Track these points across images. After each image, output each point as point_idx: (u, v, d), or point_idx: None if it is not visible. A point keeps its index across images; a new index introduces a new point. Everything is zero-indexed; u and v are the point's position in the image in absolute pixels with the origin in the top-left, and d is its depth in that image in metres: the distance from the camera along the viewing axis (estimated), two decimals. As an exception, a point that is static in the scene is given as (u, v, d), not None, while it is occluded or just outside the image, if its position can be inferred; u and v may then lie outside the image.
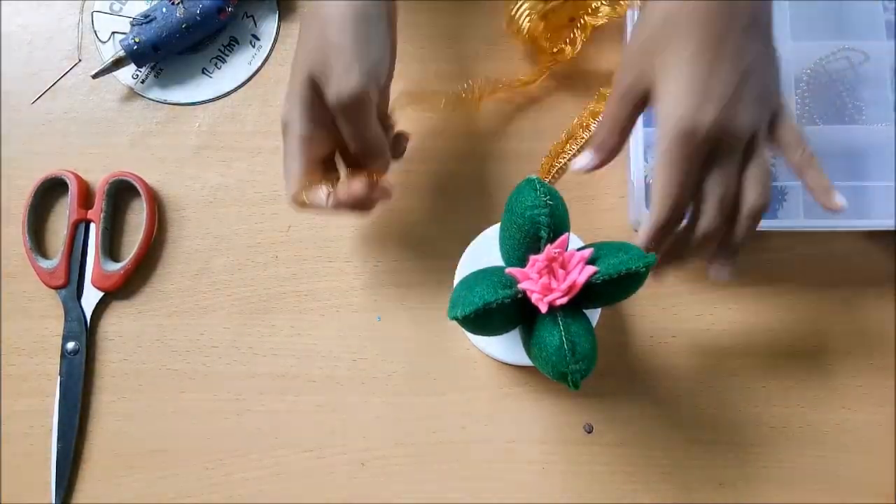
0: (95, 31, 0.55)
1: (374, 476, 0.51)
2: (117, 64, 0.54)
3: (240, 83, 0.56)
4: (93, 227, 0.54)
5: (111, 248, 0.54)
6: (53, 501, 0.50)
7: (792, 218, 0.52)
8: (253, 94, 0.57)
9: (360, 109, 0.42)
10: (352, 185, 0.43)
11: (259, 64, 0.57)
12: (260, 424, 0.52)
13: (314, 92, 0.42)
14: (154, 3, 0.56)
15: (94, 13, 0.56)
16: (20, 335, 0.53)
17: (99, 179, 0.54)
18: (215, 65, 0.56)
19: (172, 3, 0.53)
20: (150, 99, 0.56)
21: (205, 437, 0.52)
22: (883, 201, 0.51)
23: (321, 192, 0.44)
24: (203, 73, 0.56)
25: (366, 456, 0.51)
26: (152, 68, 0.56)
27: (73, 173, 0.54)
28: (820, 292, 0.53)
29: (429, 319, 0.53)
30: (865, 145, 0.53)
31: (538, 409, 0.51)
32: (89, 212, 0.53)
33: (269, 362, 0.52)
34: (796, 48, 0.52)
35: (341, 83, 0.41)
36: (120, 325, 0.53)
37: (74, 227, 0.53)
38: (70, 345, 0.52)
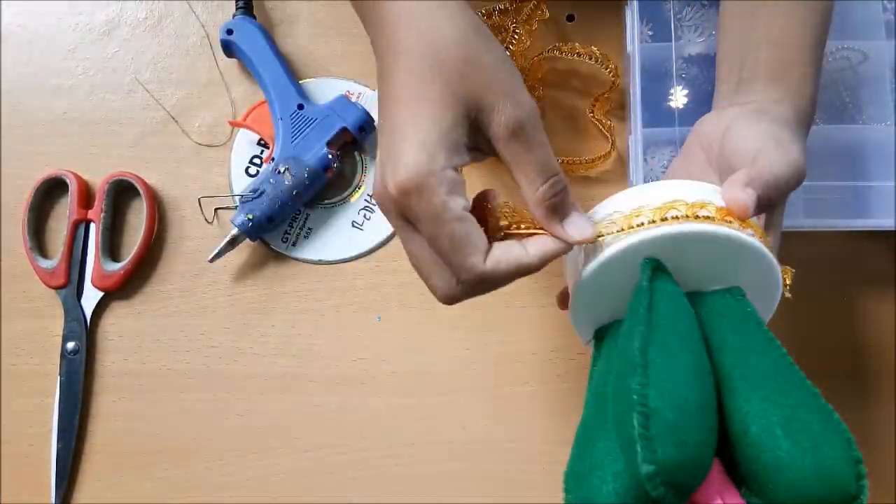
0: (205, 216, 0.54)
1: (374, 476, 0.51)
2: (233, 243, 0.52)
3: (392, 231, 0.53)
4: (93, 227, 0.54)
5: (111, 248, 0.54)
6: (53, 501, 0.50)
7: (792, 218, 0.52)
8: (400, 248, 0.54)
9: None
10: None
11: None
12: (260, 424, 0.52)
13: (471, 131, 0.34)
14: (257, 176, 0.54)
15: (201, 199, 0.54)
16: (20, 335, 0.53)
17: (99, 179, 0.54)
18: (364, 216, 0.55)
19: (278, 173, 0.52)
20: (302, 261, 0.54)
21: (205, 437, 0.51)
22: (883, 201, 0.51)
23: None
24: (353, 226, 0.54)
25: (366, 456, 0.51)
26: (301, 229, 0.54)
27: (73, 173, 0.54)
28: (820, 292, 0.53)
29: (429, 319, 0.53)
30: (865, 145, 0.53)
31: (538, 409, 0.51)
32: (89, 212, 0.53)
33: (269, 362, 0.52)
34: (796, 48, 0.52)
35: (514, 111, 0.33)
36: (120, 325, 0.53)
37: (74, 227, 0.53)
38: (70, 345, 0.52)
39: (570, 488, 0.30)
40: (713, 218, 0.33)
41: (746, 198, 0.33)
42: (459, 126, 0.33)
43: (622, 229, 0.33)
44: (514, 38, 0.52)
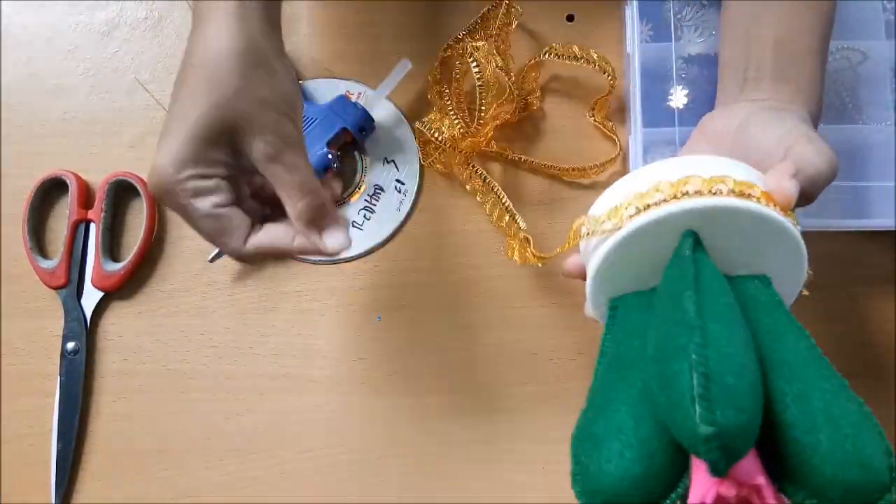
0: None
1: (373, 476, 0.51)
2: None
3: (392, 231, 0.54)
4: (93, 227, 0.54)
5: (111, 248, 0.54)
6: (53, 501, 0.50)
7: (792, 218, 0.52)
8: (404, 240, 0.55)
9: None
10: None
11: (408, 209, 0.55)
12: (260, 424, 0.52)
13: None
14: None
15: None
16: (20, 335, 0.53)
17: (99, 179, 0.54)
18: (364, 216, 0.55)
19: None
20: (303, 260, 0.54)
21: (205, 437, 0.51)
22: (883, 201, 0.51)
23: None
24: (353, 226, 0.54)
25: (366, 456, 0.51)
26: None
27: (73, 173, 0.54)
28: (820, 292, 0.52)
29: (429, 319, 0.53)
30: (865, 145, 0.53)
31: (538, 409, 0.51)
32: (89, 212, 0.53)
33: (269, 362, 0.52)
34: (796, 48, 0.52)
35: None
36: (120, 325, 0.53)
37: (74, 227, 0.53)
38: (70, 345, 0.52)
39: (583, 453, 0.29)
40: (759, 199, 0.32)
41: (792, 187, 0.33)
42: (215, 145, 0.37)
43: (665, 199, 0.32)
44: (474, 59, 0.50)
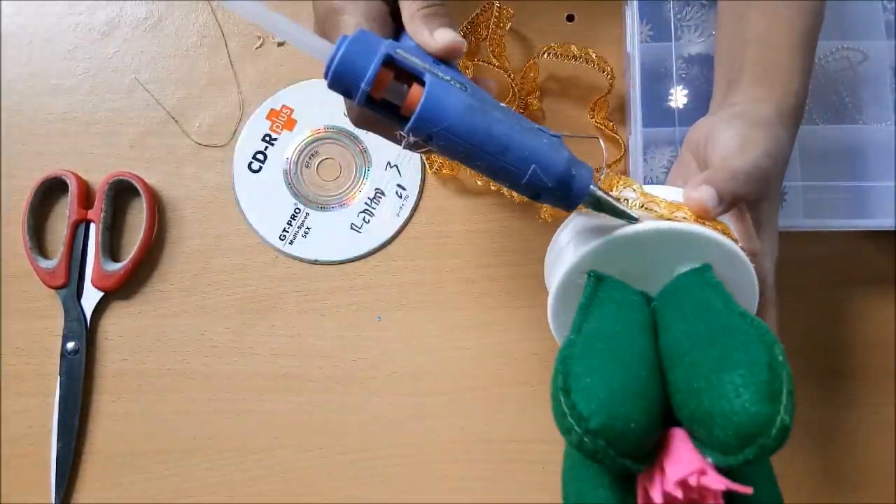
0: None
1: (374, 476, 0.51)
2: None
3: (391, 235, 0.54)
4: (93, 227, 0.54)
5: (111, 248, 0.54)
6: (53, 501, 0.50)
7: (792, 218, 0.52)
8: (405, 244, 0.54)
9: None
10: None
11: (408, 214, 0.55)
12: (260, 424, 0.52)
13: None
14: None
15: None
16: (20, 335, 0.53)
17: (99, 179, 0.54)
18: (363, 219, 0.55)
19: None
20: (299, 259, 0.54)
21: (205, 437, 0.51)
22: (883, 201, 0.51)
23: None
24: (352, 228, 0.54)
25: (366, 456, 0.51)
26: (299, 227, 0.54)
27: (73, 173, 0.54)
28: (820, 292, 0.53)
29: (429, 319, 0.53)
30: (865, 145, 0.53)
31: (538, 409, 0.51)
32: (89, 212, 0.53)
33: (269, 362, 0.52)
34: (796, 48, 0.52)
35: None
36: (120, 325, 0.53)
37: (74, 227, 0.53)
38: (70, 345, 0.52)
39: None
40: (659, 214, 0.33)
41: (701, 194, 0.34)
42: None
43: (577, 244, 0.35)
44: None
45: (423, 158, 0.54)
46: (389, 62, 0.31)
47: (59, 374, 0.52)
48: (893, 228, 0.49)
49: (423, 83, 0.31)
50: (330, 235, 0.54)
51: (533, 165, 0.31)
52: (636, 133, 0.51)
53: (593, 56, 0.52)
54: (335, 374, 0.52)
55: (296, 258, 0.54)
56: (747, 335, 0.28)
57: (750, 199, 0.37)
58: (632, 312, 0.32)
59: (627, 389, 0.27)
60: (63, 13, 0.58)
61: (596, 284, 0.34)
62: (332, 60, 0.31)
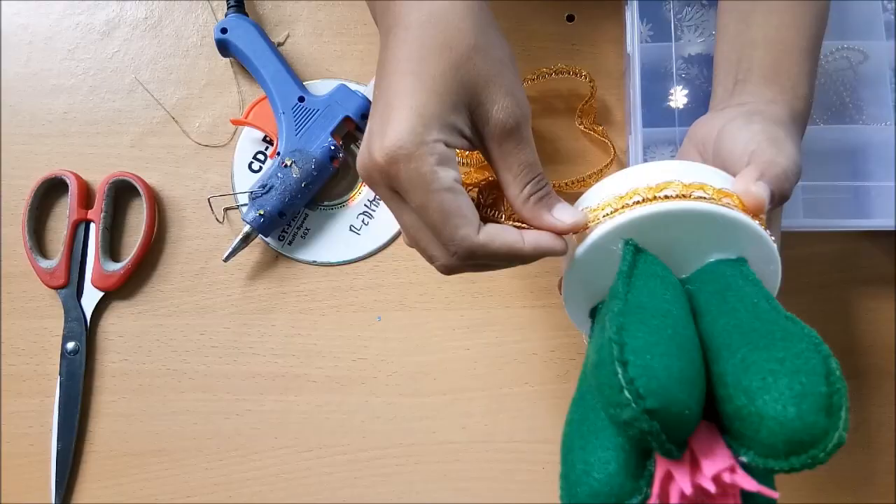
0: (215, 216, 0.54)
1: (374, 476, 0.51)
2: (245, 240, 0.52)
3: (389, 238, 0.54)
4: (93, 227, 0.54)
5: (111, 248, 0.54)
6: (53, 501, 0.50)
7: (792, 218, 0.52)
8: (405, 245, 0.54)
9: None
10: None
11: None
12: (260, 424, 0.52)
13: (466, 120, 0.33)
14: (262, 172, 0.54)
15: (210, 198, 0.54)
16: (20, 335, 0.53)
17: (99, 179, 0.54)
18: (363, 221, 0.54)
19: (285, 167, 0.51)
20: (299, 260, 0.54)
21: (205, 437, 0.52)
22: (883, 201, 0.51)
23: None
24: (351, 230, 0.54)
25: (366, 456, 0.51)
26: (298, 229, 0.55)
27: (73, 173, 0.54)
28: (820, 292, 0.53)
29: (429, 319, 0.53)
30: (865, 145, 0.53)
31: (538, 409, 0.51)
32: (89, 212, 0.53)
33: (269, 362, 0.52)
34: (796, 48, 0.52)
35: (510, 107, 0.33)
36: (120, 325, 0.53)
37: (74, 227, 0.53)
38: (70, 345, 0.52)
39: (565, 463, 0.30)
40: (708, 198, 0.32)
41: (760, 191, 0.33)
42: (459, 111, 0.32)
43: (615, 210, 0.33)
44: None
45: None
46: None
47: (59, 374, 0.52)
48: (893, 228, 0.49)
49: None
50: (329, 237, 0.54)
51: None
52: (636, 133, 0.50)
53: (565, 67, 0.52)
54: (335, 374, 0.52)
55: (295, 259, 0.54)
56: (803, 342, 0.27)
57: (775, 201, 0.36)
58: (677, 292, 0.31)
59: (685, 374, 0.27)
60: (63, 13, 0.58)
61: (635, 253, 0.32)
62: None
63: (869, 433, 0.51)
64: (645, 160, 0.51)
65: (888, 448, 0.50)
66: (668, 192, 0.32)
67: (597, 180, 0.53)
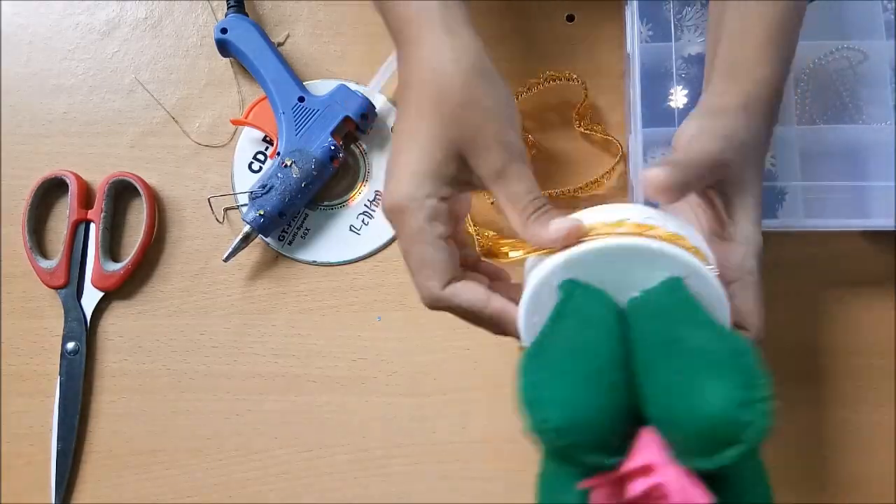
0: (215, 216, 0.54)
1: (374, 476, 0.51)
2: (246, 240, 0.52)
3: (389, 238, 0.54)
4: (93, 227, 0.54)
5: (111, 248, 0.54)
6: (53, 501, 0.50)
7: (792, 218, 0.52)
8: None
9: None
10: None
11: None
12: (260, 424, 0.52)
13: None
14: (262, 172, 0.54)
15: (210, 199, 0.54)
16: (20, 335, 0.53)
17: (99, 179, 0.54)
18: (363, 221, 0.54)
19: (285, 167, 0.52)
20: (298, 260, 0.54)
21: (205, 437, 0.51)
22: (883, 201, 0.51)
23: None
24: (351, 230, 0.54)
25: (366, 456, 0.51)
26: (298, 229, 0.54)
27: (73, 173, 0.54)
28: (820, 292, 0.53)
29: (429, 319, 0.53)
30: (865, 145, 0.53)
31: (538, 409, 0.51)
32: (89, 212, 0.53)
33: (269, 362, 0.52)
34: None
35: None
36: (120, 325, 0.53)
37: (74, 227, 0.53)
38: (70, 345, 0.52)
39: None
40: (655, 237, 0.34)
41: (654, 174, 0.35)
42: (449, 163, 0.36)
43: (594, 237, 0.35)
44: None
45: None
46: None
47: (59, 374, 0.52)
48: (893, 228, 0.49)
49: None
50: (329, 237, 0.54)
51: None
52: (636, 133, 0.50)
53: (555, 74, 0.52)
54: (335, 374, 0.52)
55: (295, 259, 0.54)
56: (721, 341, 0.29)
57: (707, 184, 0.38)
58: (598, 318, 0.33)
59: (588, 385, 0.29)
60: (63, 13, 0.58)
61: (568, 294, 0.34)
62: None
63: (869, 433, 0.51)
64: (645, 161, 0.51)
65: (888, 448, 0.50)
66: (621, 229, 0.34)
67: (609, 177, 0.53)
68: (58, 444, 0.51)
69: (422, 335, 0.52)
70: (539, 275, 0.35)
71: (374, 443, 0.51)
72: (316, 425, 0.52)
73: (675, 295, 0.33)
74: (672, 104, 0.52)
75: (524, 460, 0.51)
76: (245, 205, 0.53)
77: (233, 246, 0.52)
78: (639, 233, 0.33)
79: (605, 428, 0.29)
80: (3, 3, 0.58)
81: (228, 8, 0.55)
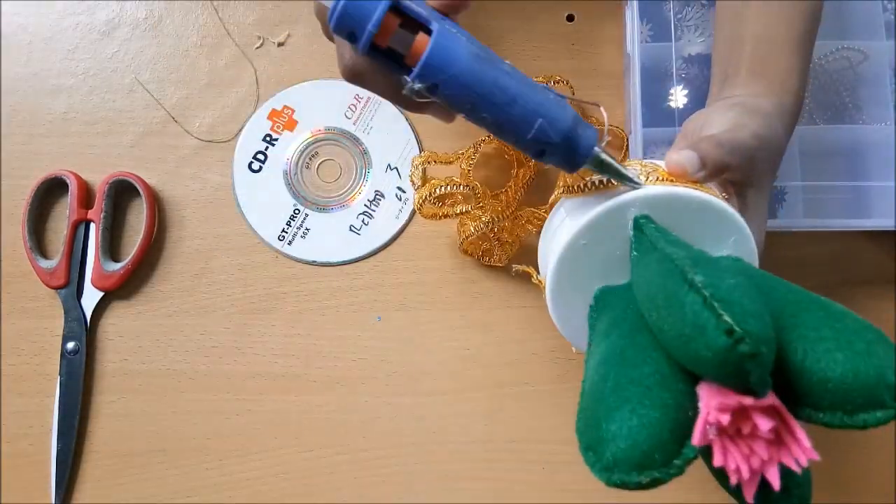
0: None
1: (374, 476, 0.51)
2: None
3: (389, 238, 0.54)
4: (93, 227, 0.54)
5: (111, 248, 0.54)
6: (53, 501, 0.50)
7: (792, 218, 0.52)
8: (405, 245, 0.54)
9: None
10: None
11: (407, 217, 0.54)
12: (260, 424, 0.52)
13: None
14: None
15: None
16: (20, 335, 0.53)
17: (99, 179, 0.54)
18: (363, 221, 0.54)
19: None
20: (298, 260, 0.54)
21: (205, 437, 0.51)
22: (883, 201, 0.51)
23: None
24: (351, 230, 0.54)
25: (366, 456, 0.51)
26: (298, 228, 0.54)
27: (73, 173, 0.54)
28: (820, 292, 0.52)
29: (429, 319, 0.53)
30: (865, 145, 0.53)
31: (538, 409, 0.51)
32: (89, 212, 0.53)
33: (269, 362, 0.52)
34: (796, 48, 0.52)
35: None
36: (120, 325, 0.53)
37: (74, 227, 0.53)
38: (70, 345, 0.52)
39: (595, 424, 0.29)
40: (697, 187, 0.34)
41: (681, 157, 0.35)
42: None
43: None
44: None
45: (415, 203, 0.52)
46: (396, 9, 0.30)
47: (59, 374, 0.52)
48: (893, 228, 0.49)
49: (429, 32, 0.30)
50: (329, 237, 0.54)
51: (540, 119, 0.30)
52: (636, 133, 0.51)
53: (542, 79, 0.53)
54: (335, 374, 0.52)
55: (294, 259, 0.54)
56: (853, 317, 0.29)
57: (734, 173, 0.37)
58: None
59: (766, 317, 0.27)
60: (63, 13, 0.58)
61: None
62: (338, 1, 0.30)
63: (869, 433, 0.50)
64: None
65: (888, 448, 0.50)
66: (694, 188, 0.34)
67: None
68: (58, 444, 0.51)
69: (422, 335, 0.52)
70: (614, 202, 0.33)
71: (374, 443, 0.51)
72: (316, 425, 0.52)
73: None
74: (672, 104, 0.52)
75: (524, 460, 0.51)
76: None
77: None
78: (716, 195, 0.34)
79: (773, 359, 0.27)
80: (3, 3, 0.58)
81: None
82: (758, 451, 0.26)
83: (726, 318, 0.25)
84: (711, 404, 0.26)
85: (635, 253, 0.34)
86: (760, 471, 0.26)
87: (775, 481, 0.26)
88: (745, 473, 0.26)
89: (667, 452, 0.27)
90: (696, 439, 0.26)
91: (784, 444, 0.27)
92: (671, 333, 0.28)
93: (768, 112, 0.39)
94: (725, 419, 0.26)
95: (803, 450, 0.26)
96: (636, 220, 0.33)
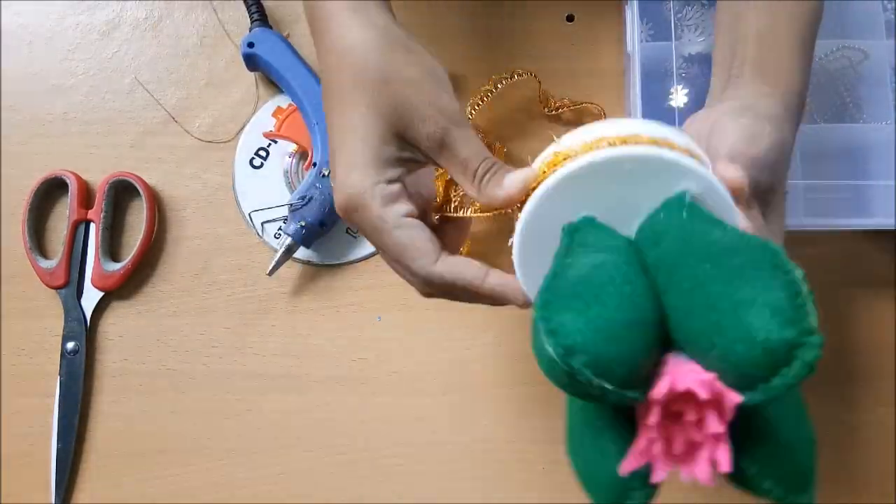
0: (257, 232, 0.54)
1: (374, 476, 0.51)
2: (288, 252, 0.52)
3: None
4: (93, 227, 0.54)
5: (111, 248, 0.54)
6: (53, 501, 0.50)
7: (792, 218, 0.52)
8: None
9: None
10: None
11: None
12: (260, 424, 0.52)
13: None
14: (302, 184, 0.53)
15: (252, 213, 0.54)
16: (20, 335, 0.53)
17: (99, 179, 0.54)
18: None
19: (324, 177, 0.52)
20: (299, 261, 0.54)
21: (205, 437, 0.52)
22: (883, 201, 0.51)
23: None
24: (348, 233, 0.54)
25: (366, 456, 0.51)
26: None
27: (73, 173, 0.54)
28: (820, 292, 0.52)
29: (429, 319, 0.53)
30: (865, 145, 0.53)
31: (538, 409, 0.51)
32: (89, 212, 0.53)
33: (269, 362, 0.52)
34: (796, 48, 0.52)
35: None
36: (120, 325, 0.53)
37: (74, 227, 0.53)
38: (70, 345, 0.52)
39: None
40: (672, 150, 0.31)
41: (736, 173, 0.33)
42: (388, 143, 0.35)
43: (573, 156, 0.31)
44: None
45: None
46: None
47: (59, 374, 0.52)
48: (893, 228, 0.49)
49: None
50: (329, 237, 0.54)
51: None
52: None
53: (496, 76, 0.52)
54: (335, 374, 0.52)
55: (295, 259, 0.54)
56: (755, 253, 0.26)
57: (762, 187, 0.37)
58: (610, 245, 0.30)
59: (612, 315, 0.27)
60: (63, 13, 0.58)
61: (571, 234, 0.31)
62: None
63: (869, 433, 0.51)
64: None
65: (888, 448, 0.50)
66: (631, 142, 0.31)
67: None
68: (58, 444, 0.51)
69: (422, 335, 0.52)
70: (530, 205, 0.31)
71: (375, 443, 0.51)
72: (316, 425, 0.52)
73: (693, 211, 0.30)
74: (672, 104, 0.52)
75: (524, 460, 0.51)
76: (279, 219, 0.54)
77: (275, 260, 0.52)
78: (626, 142, 0.30)
79: (634, 349, 0.26)
80: (2, 3, 0.58)
81: (252, 21, 0.54)
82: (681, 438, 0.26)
83: (555, 350, 0.27)
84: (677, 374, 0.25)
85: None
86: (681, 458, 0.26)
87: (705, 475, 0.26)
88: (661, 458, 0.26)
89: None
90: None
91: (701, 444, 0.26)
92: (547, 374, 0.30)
93: (779, 115, 0.39)
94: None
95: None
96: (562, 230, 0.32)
